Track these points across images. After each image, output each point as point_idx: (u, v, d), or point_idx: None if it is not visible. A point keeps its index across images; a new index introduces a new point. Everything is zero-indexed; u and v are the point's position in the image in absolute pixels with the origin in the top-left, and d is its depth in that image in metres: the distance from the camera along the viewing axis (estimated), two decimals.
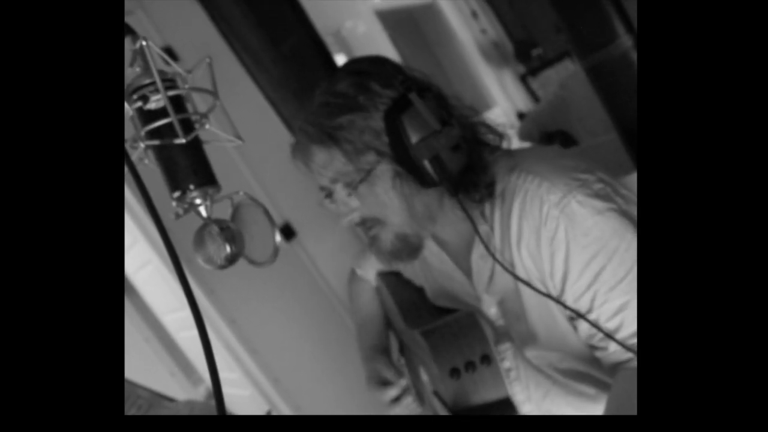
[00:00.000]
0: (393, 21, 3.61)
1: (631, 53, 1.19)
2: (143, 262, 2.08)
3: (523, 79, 3.72)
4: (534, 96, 3.61)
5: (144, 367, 2.52)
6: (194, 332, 2.12)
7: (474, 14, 4.02)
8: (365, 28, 3.53)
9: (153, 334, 2.55)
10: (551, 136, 2.11)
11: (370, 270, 1.19)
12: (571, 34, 1.28)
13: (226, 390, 2.40)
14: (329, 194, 0.85)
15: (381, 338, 1.15)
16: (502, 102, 3.85)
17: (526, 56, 3.75)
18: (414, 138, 0.76)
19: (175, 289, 2.03)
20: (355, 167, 0.79)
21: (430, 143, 0.76)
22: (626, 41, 1.18)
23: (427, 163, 0.76)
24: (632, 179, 0.97)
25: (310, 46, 1.84)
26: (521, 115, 3.65)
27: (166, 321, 2.46)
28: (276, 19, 1.80)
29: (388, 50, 3.33)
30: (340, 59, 2.67)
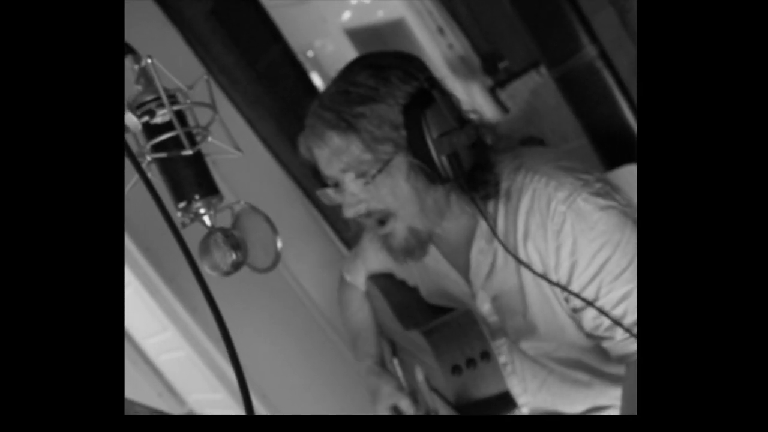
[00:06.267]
0: (362, 39, 3.67)
1: (596, 62, 1.25)
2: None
3: (492, 92, 3.80)
4: (503, 107, 3.69)
5: (133, 390, 2.48)
6: (175, 354, 2.09)
7: (440, 30, 4.10)
8: (335, 47, 3.58)
9: (138, 357, 2.52)
10: (525, 143, 2.16)
11: (359, 275, 1.21)
12: (539, 46, 1.34)
13: (209, 410, 2.36)
14: (336, 184, 0.85)
15: (377, 346, 1.17)
16: (472, 114, 3.91)
17: (493, 69, 3.84)
18: (434, 134, 0.78)
19: (156, 312, 2.01)
20: (373, 156, 0.80)
21: (451, 139, 0.79)
22: (591, 51, 1.24)
23: (444, 159, 0.79)
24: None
25: (285, 65, 1.87)
26: None
27: (146, 345, 2.43)
28: (251, 39, 1.82)
29: None
30: (314, 78, 2.70)
